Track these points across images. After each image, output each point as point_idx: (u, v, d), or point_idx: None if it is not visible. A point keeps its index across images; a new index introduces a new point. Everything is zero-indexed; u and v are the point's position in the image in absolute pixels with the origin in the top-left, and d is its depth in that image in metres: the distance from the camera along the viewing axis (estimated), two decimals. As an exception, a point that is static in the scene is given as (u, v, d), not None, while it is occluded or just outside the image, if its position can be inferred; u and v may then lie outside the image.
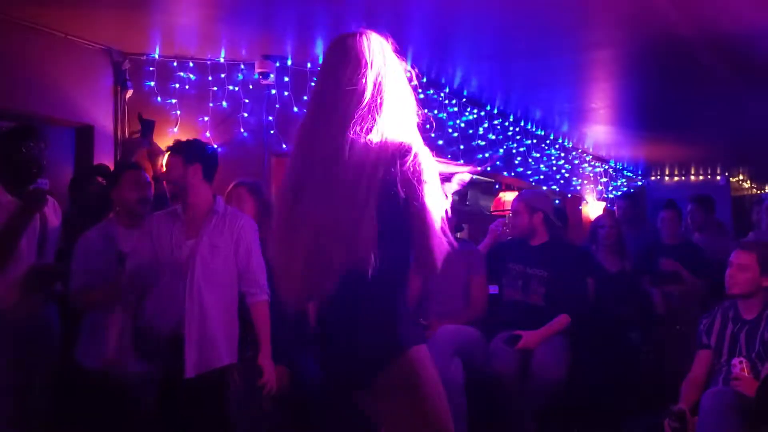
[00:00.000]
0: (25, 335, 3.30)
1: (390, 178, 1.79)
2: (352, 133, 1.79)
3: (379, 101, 1.84)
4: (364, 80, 1.84)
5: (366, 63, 1.86)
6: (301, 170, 1.90)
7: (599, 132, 8.30)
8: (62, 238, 3.56)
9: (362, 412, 2.09)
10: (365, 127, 1.80)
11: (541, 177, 8.17)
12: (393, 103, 1.87)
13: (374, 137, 1.80)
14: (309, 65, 5.27)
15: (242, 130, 5.23)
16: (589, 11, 4.48)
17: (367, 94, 1.83)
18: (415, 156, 1.80)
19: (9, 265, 3.22)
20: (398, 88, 1.90)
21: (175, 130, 5.06)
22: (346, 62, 1.86)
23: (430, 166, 1.84)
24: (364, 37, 1.90)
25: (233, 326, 3.28)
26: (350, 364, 1.97)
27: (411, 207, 1.82)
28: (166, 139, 4.89)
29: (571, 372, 3.98)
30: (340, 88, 1.85)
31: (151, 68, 5.05)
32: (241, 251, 3.27)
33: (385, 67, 1.88)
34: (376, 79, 1.85)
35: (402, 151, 1.80)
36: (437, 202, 1.85)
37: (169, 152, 3.35)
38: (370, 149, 1.79)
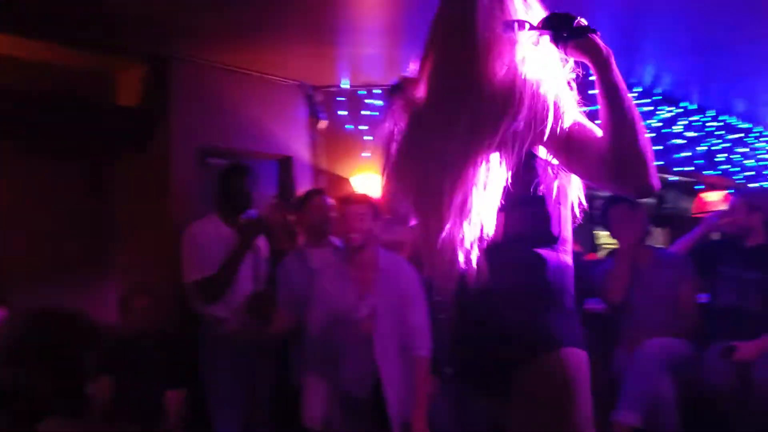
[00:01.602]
0: (248, 357, 3.62)
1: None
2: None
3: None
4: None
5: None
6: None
7: (816, 119, 7.53)
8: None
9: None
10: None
11: (751, 173, 7.54)
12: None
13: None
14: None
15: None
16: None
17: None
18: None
19: (231, 292, 3.54)
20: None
21: (368, 154, 5.26)
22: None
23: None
24: None
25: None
26: (484, 354, 1.60)
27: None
28: (358, 163, 5.12)
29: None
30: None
31: (341, 98, 5.30)
32: (407, 304, 3.22)
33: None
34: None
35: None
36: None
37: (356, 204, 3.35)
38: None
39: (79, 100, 4.37)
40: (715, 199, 6.52)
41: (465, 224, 1.47)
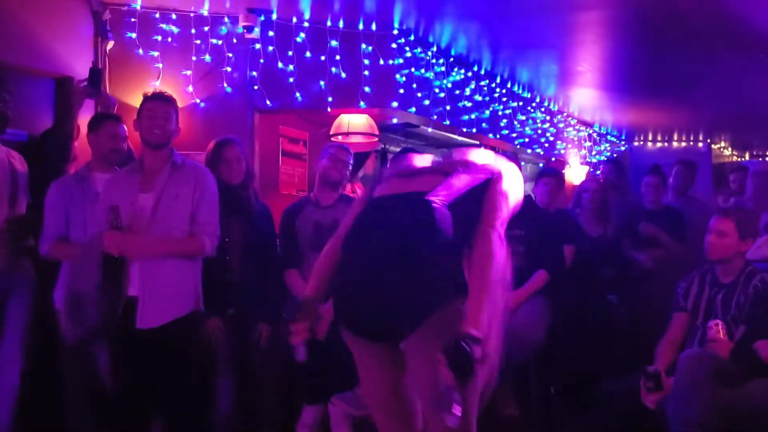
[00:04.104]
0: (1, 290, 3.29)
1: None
2: None
3: None
4: None
5: None
6: None
7: (585, 95, 8.27)
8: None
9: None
10: None
11: (526, 140, 8.15)
12: None
13: None
14: (294, 20, 5.18)
15: (225, 85, 5.15)
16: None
17: None
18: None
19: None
20: None
21: (157, 83, 4.97)
22: None
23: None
24: None
25: (195, 275, 3.26)
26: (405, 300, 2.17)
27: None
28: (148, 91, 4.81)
29: (550, 333, 4.03)
30: None
31: (132, 19, 4.94)
32: (197, 199, 3.23)
33: None
34: None
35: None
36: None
37: (160, 102, 3.32)
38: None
39: None
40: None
41: None
